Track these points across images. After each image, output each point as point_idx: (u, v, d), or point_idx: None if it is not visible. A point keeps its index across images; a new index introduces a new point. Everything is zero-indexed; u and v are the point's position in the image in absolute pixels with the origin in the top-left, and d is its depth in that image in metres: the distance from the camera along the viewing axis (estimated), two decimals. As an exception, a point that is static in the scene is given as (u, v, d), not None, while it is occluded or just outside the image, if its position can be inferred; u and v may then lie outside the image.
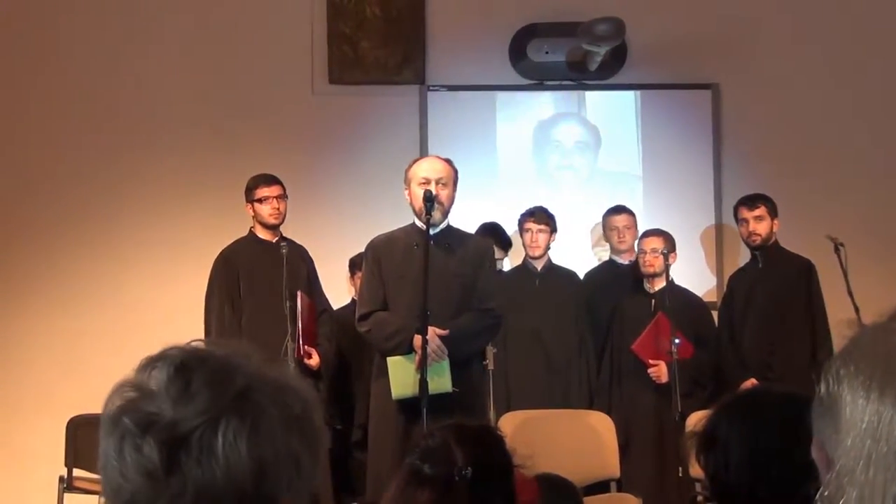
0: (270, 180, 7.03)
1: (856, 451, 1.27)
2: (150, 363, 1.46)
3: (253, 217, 7.05)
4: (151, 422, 1.39)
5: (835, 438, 1.31)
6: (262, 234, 7.04)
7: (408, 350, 5.79)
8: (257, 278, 6.92)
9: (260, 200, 6.98)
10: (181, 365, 1.44)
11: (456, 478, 2.64)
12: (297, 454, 1.45)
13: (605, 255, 8.06)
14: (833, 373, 1.33)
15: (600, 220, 7.99)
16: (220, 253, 7.05)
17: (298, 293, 6.74)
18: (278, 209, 6.99)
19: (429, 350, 5.65)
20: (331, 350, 6.98)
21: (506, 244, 7.61)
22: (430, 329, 5.68)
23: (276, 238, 7.03)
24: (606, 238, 7.86)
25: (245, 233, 7.12)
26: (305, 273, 7.03)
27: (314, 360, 6.78)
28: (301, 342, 6.69)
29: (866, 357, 1.32)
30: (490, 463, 2.71)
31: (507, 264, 7.79)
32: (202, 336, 6.47)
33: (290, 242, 7.06)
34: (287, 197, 7.04)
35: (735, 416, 2.57)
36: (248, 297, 6.91)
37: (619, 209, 7.79)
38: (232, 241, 7.14)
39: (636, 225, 7.68)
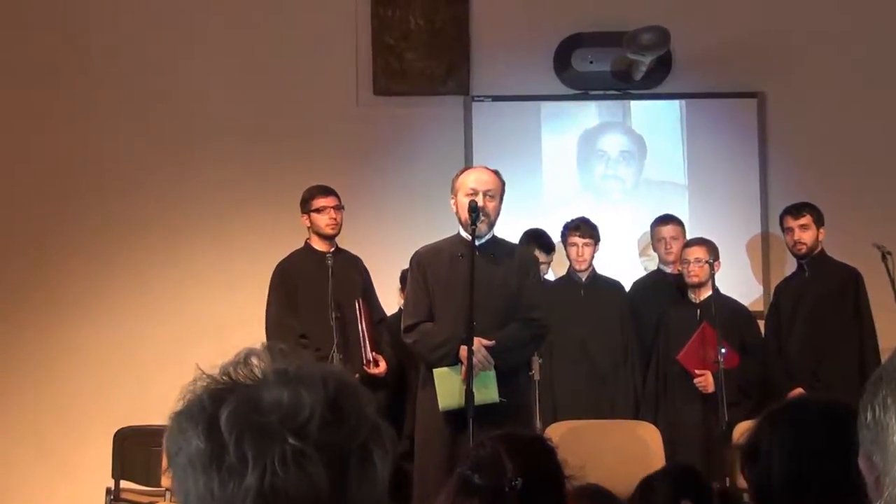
0: (327, 191, 7.07)
1: None
2: (293, 379, 1.43)
3: (309, 228, 7.08)
4: (309, 440, 1.38)
5: (882, 466, 1.30)
6: (318, 245, 7.05)
7: (454, 361, 5.78)
8: (314, 290, 6.91)
9: (318, 210, 7.01)
10: (337, 386, 1.43)
11: (506, 489, 2.64)
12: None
13: (651, 265, 8.04)
14: (880, 400, 1.32)
15: (645, 229, 7.98)
16: (278, 265, 7.07)
17: (358, 301, 6.77)
18: (335, 219, 7.03)
19: (475, 360, 5.64)
20: (393, 358, 6.95)
21: (548, 248, 7.59)
22: (476, 339, 5.68)
23: (332, 249, 7.06)
24: (654, 248, 7.84)
25: (294, 242, 7.15)
26: (361, 282, 7.06)
27: (381, 368, 6.80)
28: (367, 350, 6.72)
29: None
30: (540, 474, 2.71)
31: (551, 272, 7.78)
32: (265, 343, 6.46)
33: (346, 253, 7.11)
34: (343, 208, 7.08)
35: (775, 426, 2.56)
36: (305, 308, 6.93)
37: (666, 219, 7.76)
38: (277, 251, 7.17)
39: (684, 235, 7.64)
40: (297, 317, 6.89)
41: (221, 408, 1.40)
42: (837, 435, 2.42)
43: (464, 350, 5.66)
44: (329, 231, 7.02)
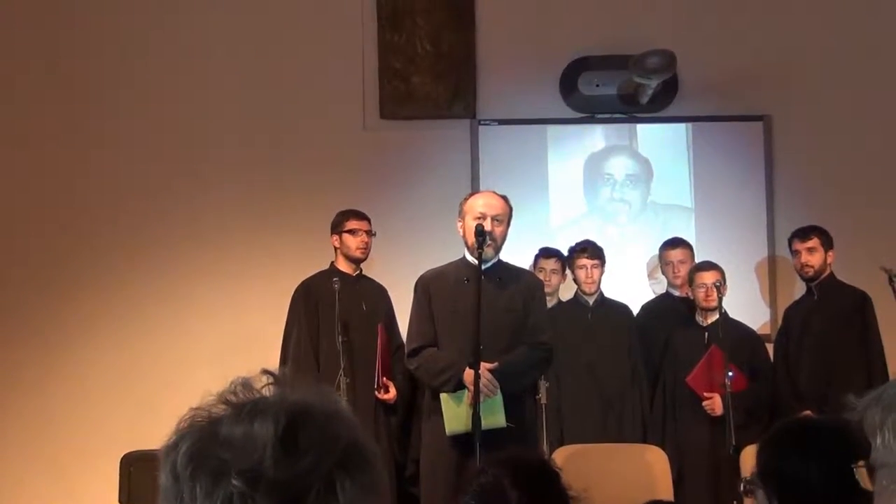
0: (361, 215, 7.17)
1: None
2: (247, 413, 1.40)
3: (336, 249, 7.13)
4: (260, 479, 1.34)
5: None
6: (344, 267, 7.10)
7: (455, 387, 5.77)
8: (333, 310, 6.90)
9: (351, 231, 7.08)
10: (289, 419, 1.39)
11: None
12: None
13: (659, 288, 8.02)
14: (889, 426, 1.31)
15: (652, 252, 7.97)
16: (302, 283, 7.12)
17: (378, 327, 6.80)
18: (366, 243, 7.11)
19: (480, 386, 5.61)
20: (406, 386, 6.95)
21: (560, 255, 7.64)
22: (481, 364, 5.65)
23: (357, 273, 7.09)
24: (662, 271, 7.82)
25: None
26: (384, 309, 7.09)
27: (391, 394, 6.83)
28: (379, 375, 6.73)
29: None
30: (546, 501, 2.68)
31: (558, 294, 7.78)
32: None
33: (370, 280, 7.19)
34: (375, 234, 7.16)
35: (783, 449, 2.55)
36: (326, 329, 6.94)
37: (674, 242, 7.75)
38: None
39: (692, 258, 7.63)
40: (318, 339, 6.93)
41: (182, 444, 1.40)
42: (841, 454, 2.42)
43: (470, 374, 5.64)
44: (358, 254, 7.11)
